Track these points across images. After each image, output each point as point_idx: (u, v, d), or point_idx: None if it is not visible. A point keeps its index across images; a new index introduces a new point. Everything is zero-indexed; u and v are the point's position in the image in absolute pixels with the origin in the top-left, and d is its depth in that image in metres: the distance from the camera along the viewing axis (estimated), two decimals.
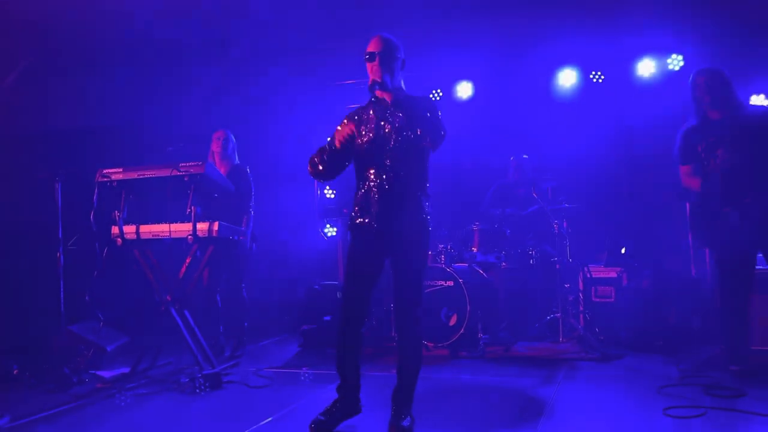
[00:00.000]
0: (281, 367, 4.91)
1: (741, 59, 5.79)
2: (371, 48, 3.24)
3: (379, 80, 3.18)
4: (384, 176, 3.21)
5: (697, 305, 5.40)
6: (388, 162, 3.21)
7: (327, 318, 5.63)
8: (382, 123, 3.25)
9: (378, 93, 3.25)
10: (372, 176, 3.25)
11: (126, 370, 4.67)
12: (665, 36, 6.09)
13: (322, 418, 3.24)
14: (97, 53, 7.36)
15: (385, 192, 3.21)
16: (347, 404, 3.33)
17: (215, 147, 5.46)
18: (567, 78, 6.45)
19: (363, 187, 3.29)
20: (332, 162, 3.37)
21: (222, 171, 5.39)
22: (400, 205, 3.21)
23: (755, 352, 4.31)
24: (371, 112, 3.31)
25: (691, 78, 4.15)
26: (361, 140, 3.29)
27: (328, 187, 7.56)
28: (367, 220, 3.25)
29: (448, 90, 6.92)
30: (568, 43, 6.24)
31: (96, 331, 4.94)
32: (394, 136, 3.21)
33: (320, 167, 3.39)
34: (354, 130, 3.29)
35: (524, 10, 6.50)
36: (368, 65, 3.25)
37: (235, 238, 4.71)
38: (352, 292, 3.29)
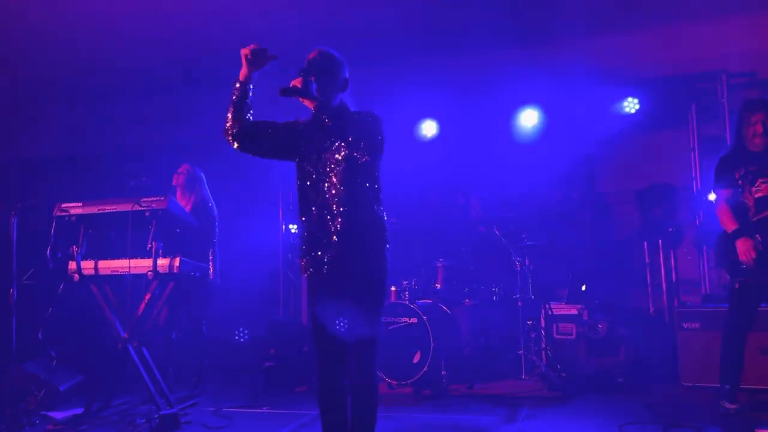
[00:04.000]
0: (242, 406, 4.80)
1: None
2: (326, 64, 2.88)
3: (315, 100, 2.85)
4: (323, 208, 2.86)
5: (657, 342, 5.49)
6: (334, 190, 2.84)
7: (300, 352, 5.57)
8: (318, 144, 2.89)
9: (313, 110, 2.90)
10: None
11: (79, 410, 4.51)
12: (622, 80, 6.30)
13: None
14: (57, 84, 7.29)
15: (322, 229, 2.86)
16: None
17: (178, 181, 5.40)
18: (529, 117, 6.59)
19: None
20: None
21: (185, 205, 5.33)
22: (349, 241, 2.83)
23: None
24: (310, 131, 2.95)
25: (745, 106, 4.09)
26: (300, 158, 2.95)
27: (294, 224, 7.50)
28: (304, 262, 2.93)
29: (413, 128, 7.00)
30: (530, 82, 6.40)
31: (49, 369, 4.78)
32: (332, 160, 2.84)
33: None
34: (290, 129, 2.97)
35: (487, 50, 6.68)
36: (320, 76, 2.85)
37: (197, 274, 4.64)
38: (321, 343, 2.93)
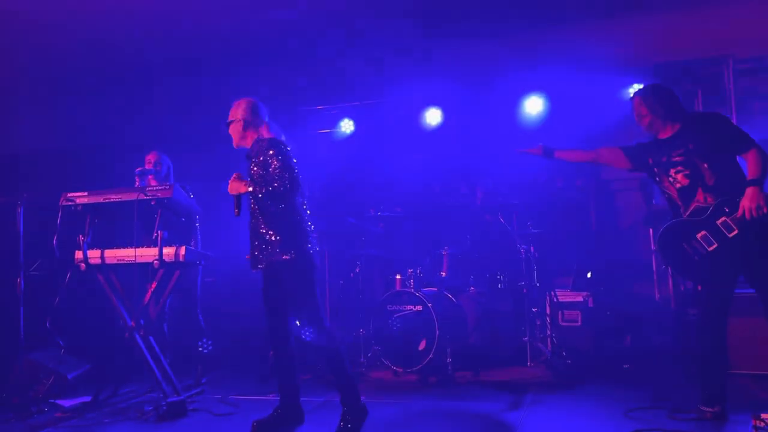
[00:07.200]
0: (247, 394, 4.83)
1: None
2: (231, 116, 3.79)
3: (236, 142, 3.81)
4: (252, 221, 3.74)
5: (662, 328, 5.48)
6: (254, 207, 3.72)
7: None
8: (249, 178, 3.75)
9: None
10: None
11: (87, 398, 4.56)
12: (628, 66, 6.26)
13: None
14: (62, 75, 7.29)
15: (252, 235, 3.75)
16: (287, 411, 3.78)
17: (155, 170, 5.30)
18: (534, 104, 6.56)
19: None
20: None
21: None
22: (263, 244, 3.67)
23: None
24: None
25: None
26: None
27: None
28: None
29: (418, 116, 6.97)
30: (535, 69, 6.38)
31: (57, 358, 4.82)
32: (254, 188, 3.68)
33: None
34: None
35: (492, 37, 6.65)
36: (230, 126, 3.80)
37: (201, 262, 4.65)
38: (274, 323, 3.84)
